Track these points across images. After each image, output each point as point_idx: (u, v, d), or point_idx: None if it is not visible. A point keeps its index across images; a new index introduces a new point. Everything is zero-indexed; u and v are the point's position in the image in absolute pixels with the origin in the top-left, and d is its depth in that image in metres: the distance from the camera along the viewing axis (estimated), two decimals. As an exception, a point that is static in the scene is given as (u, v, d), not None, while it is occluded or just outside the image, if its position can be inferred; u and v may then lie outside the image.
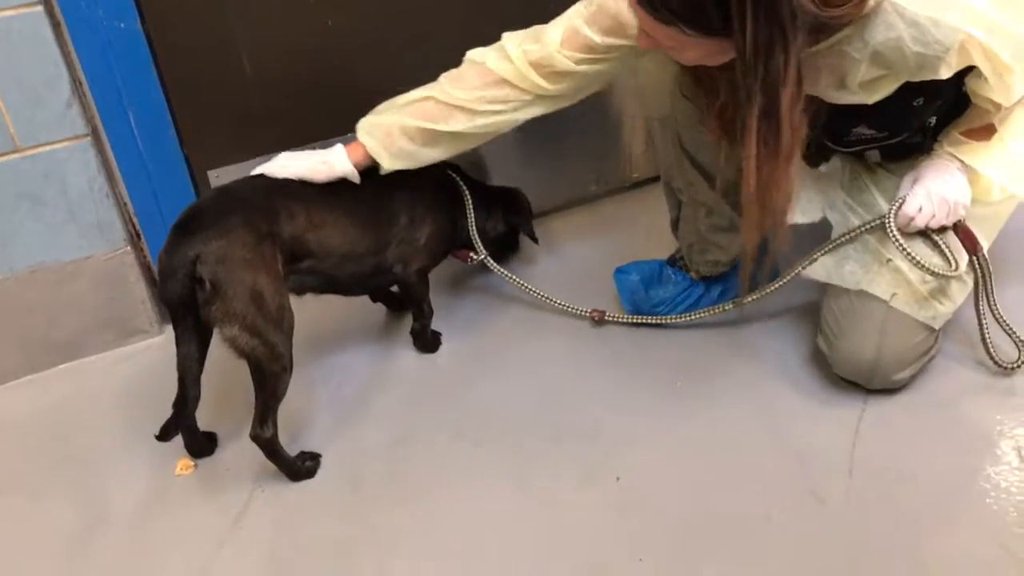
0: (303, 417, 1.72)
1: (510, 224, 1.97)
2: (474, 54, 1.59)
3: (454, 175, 1.87)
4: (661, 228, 1.94)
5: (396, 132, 1.59)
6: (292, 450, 1.60)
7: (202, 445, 1.65)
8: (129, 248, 1.86)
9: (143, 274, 1.90)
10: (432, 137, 1.60)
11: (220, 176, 1.88)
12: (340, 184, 1.63)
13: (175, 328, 1.46)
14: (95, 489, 1.63)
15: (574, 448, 1.62)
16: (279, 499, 1.57)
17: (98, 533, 1.54)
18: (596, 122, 2.15)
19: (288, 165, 1.60)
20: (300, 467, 1.59)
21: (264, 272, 1.45)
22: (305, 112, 1.92)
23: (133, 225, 1.87)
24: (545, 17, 1.58)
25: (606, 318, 1.86)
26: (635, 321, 1.85)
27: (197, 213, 1.49)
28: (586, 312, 1.87)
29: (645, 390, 1.73)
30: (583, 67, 1.52)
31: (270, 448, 1.54)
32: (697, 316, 1.80)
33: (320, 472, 1.61)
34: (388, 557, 1.46)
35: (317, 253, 1.59)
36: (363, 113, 1.95)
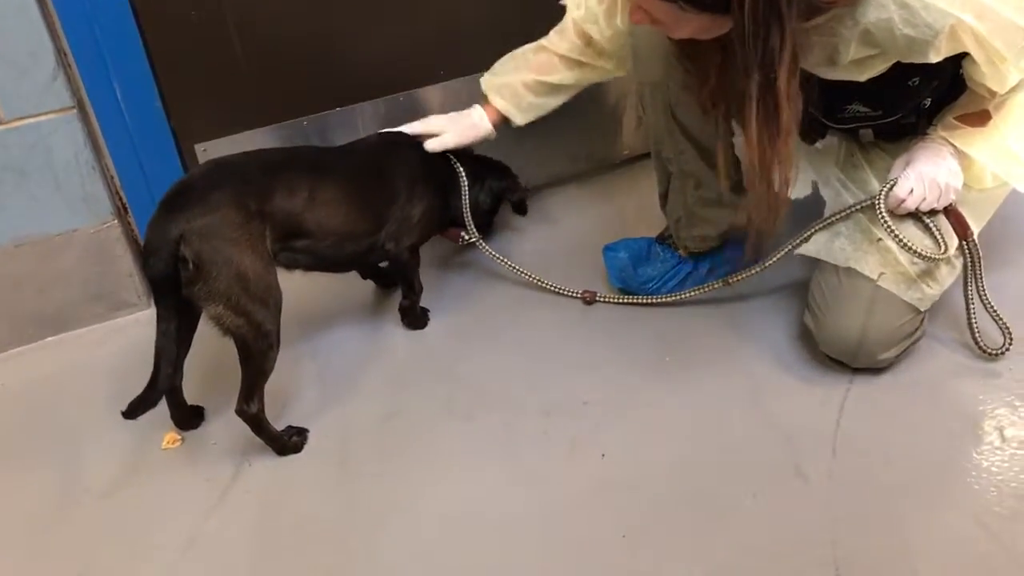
0: (291, 392, 1.72)
1: (497, 193, 1.96)
2: (570, 2, 1.73)
3: (449, 154, 1.85)
4: (651, 206, 1.93)
5: (521, 89, 1.77)
6: (279, 424, 1.61)
7: (189, 418, 1.66)
8: (116, 221, 1.85)
9: (130, 247, 1.89)
10: (551, 88, 1.78)
11: (207, 150, 1.87)
12: (344, 163, 1.66)
13: (157, 305, 1.46)
14: (80, 461, 1.63)
15: (561, 424, 1.62)
16: (266, 473, 1.58)
17: (82, 504, 1.55)
18: (589, 97, 2.14)
19: (440, 127, 1.78)
20: (287, 442, 1.60)
21: (250, 251, 1.44)
22: (294, 85, 1.91)
23: (120, 198, 1.86)
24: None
25: (597, 299, 1.87)
26: (625, 301, 1.85)
27: (184, 189, 1.47)
28: (577, 294, 1.87)
29: (633, 366, 1.73)
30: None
31: (256, 423, 1.54)
32: (687, 295, 1.80)
33: (308, 447, 1.62)
34: (375, 532, 1.46)
35: (315, 233, 1.58)
36: (356, 86, 1.95)
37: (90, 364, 1.85)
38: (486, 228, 1.97)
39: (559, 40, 1.74)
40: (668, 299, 1.82)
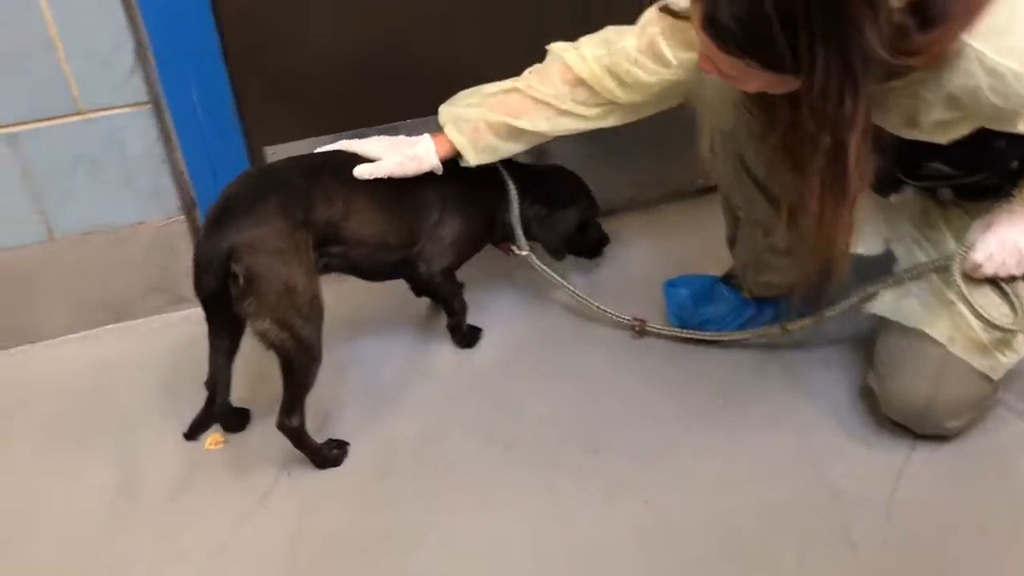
0: (334, 403, 1.72)
1: (580, 219, 1.86)
2: (557, 47, 1.58)
3: (497, 164, 1.75)
4: (719, 240, 1.87)
5: (483, 127, 1.59)
6: (321, 436, 1.60)
7: (234, 421, 1.66)
8: (183, 216, 1.87)
9: (194, 243, 1.91)
10: (515, 133, 1.60)
11: (276, 153, 1.87)
12: None
13: (209, 323, 1.46)
14: (129, 453, 1.65)
15: (604, 462, 1.58)
16: (304, 484, 1.57)
17: (119, 498, 1.57)
18: (666, 122, 2.08)
19: (375, 151, 1.59)
20: (327, 455, 1.59)
21: (297, 263, 1.44)
22: (368, 94, 1.90)
23: (188, 194, 1.88)
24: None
25: (647, 328, 1.81)
26: (677, 335, 1.79)
27: (231, 203, 1.47)
28: (627, 319, 1.82)
29: (684, 408, 1.68)
30: (655, 79, 1.49)
31: (297, 437, 1.53)
32: (743, 337, 1.74)
33: (347, 460, 1.61)
34: (408, 552, 1.45)
35: (349, 241, 1.57)
36: (429, 97, 1.92)
37: (146, 355, 1.87)
38: (557, 254, 1.87)
39: (538, 83, 1.57)
40: (720, 336, 1.76)
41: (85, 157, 1.74)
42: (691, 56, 1.43)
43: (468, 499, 1.53)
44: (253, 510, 1.53)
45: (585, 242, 1.92)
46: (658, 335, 1.82)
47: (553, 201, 1.83)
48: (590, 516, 1.49)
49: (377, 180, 1.57)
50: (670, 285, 1.85)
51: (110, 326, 1.94)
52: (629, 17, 1.56)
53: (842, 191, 1.20)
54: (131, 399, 1.76)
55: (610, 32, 1.55)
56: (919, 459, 1.55)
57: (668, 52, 1.46)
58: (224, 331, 1.47)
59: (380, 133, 1.90)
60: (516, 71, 1.77)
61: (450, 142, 1.60)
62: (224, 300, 1.42)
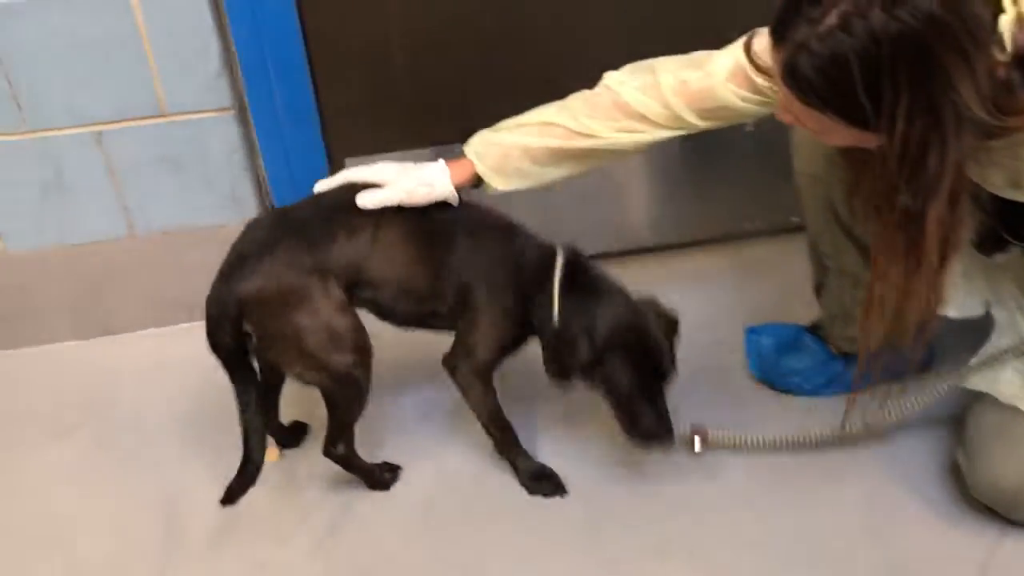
0: (391, 427, 1.68)
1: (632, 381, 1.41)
2: (612, 80, 1.41)
3: (554, 246, 1.47)
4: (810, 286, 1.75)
5: (516, 153, 1.42)
6: (375, 456, 1.58)
7: (290, 437, 1.65)
8: (260, 222, 1.87)
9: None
10: (559, 155, 1.43)
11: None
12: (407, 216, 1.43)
13: (232, 381, 1.42)
14: (186, 457, 1.66)
15: (653, 515, 1.50)
16: (351, 507, 1.55)
17: (168, 504, 1.58)
18: (761, 145, 1.96)
19: (385, 177, 1.42)
20: (379, 477, 1.56)
21: (318, 307, 1.37)
22: (453, 108, 1.85)
23: (267, 201, 1.88)
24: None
25: (708, 442, 1.55)
26: (739, 444, 1.55)
27: (239, 258, 1.40)
28: (686, 430, 1.55)
29: (747, 467, 1.57)
30: (745, 105, 1.35)
31: (345, 462, 1.51)
32: (809, 437, 1.53)
33: (396, 489, 1.57)
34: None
35: (375, 282, 1.43)
36: (519, 110, 1.86)
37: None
38: (558, 377, 1.46)
39: (585, 113, 1.39)
40: (787, 438, 1.54)
41: (168, 159, 1.76)
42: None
43: (509, 543, 1.47)
44: (294, 530, 1.51)
45: (635, 413, 1.43)
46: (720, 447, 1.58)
47: (598, 332, 1.40)
48: (631, 570, 1.42)
49: (404, 216, 1.42)
50: (751, 332, 1.74)
51: (184, 325, 1.95)
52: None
53: (916, 258, 1.08)
54: (193, 401, 1.77)
55: (697, 55, 1.39)
56: (1008, 549, 1.40)
57: (760, 80, 1.29)
58: (251, 386, 1.43)
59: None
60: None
61: (470, 167, 1.44)
62: (242, 355, 1.39)
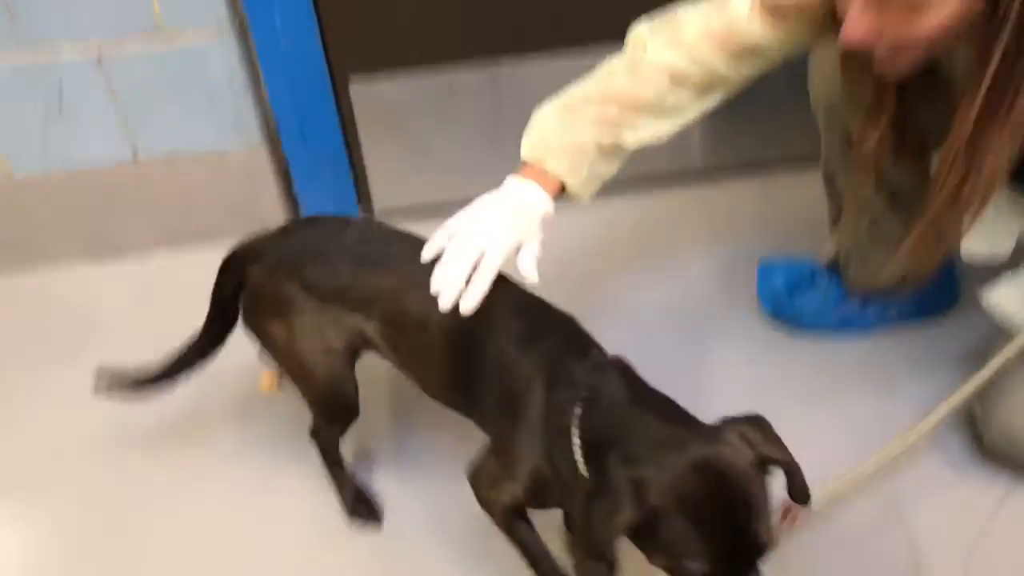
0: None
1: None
2: (640, 34, 1.26)
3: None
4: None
5: (591, 150, 1.21)
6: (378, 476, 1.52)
7: None
8: (264, 147, 1.83)
9: (276, 174, 1.88)
10: (615, 152, 1.25)
11: (362, 82, 1.80)
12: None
13: (204, 323, 1.38)
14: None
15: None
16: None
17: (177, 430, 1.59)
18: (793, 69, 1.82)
19: (519, 230, 1.16)
20: (351, 504, 1.46)
21: (287, 325, 1.29)
22: (465, 21, 1.76)
23: (270, 125, 1.83)
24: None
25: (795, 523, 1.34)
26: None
27: (288, 242, 1.33)
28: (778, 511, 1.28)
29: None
30: (768, 38, 1.23)
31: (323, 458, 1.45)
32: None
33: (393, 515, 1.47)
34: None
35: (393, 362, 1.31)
36: (536, 28, 1.75)
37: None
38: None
39: (632, 84, 1.23)
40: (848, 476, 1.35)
41: (167, 82, 1.72)
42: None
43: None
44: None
45: None
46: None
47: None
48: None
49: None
50: (764, 269, 1.68)
51: (191, 246, 1.93)
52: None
53: (1009, 107, 1.01)
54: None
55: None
56: (1015, 502, 1.37)
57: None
58: (210, 337, 1.39)
59: (478, 69, 1.77)
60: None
61: (549, 176, 1.20)
62: (231, 312, 1.36)
